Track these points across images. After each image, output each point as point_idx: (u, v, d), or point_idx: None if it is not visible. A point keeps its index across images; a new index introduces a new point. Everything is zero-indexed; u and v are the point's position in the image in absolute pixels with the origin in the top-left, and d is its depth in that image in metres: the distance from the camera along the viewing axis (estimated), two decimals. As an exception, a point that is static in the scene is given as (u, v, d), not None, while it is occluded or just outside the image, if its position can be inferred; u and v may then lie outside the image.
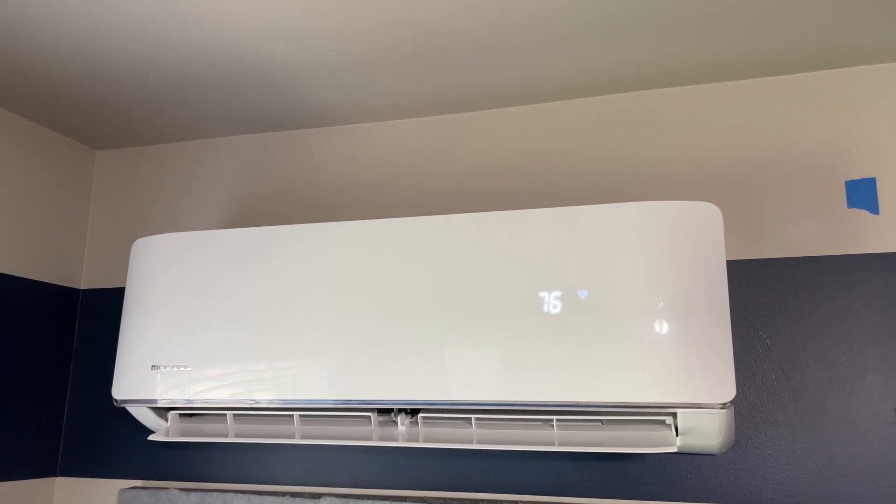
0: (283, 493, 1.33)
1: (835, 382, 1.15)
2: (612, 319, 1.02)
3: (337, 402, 1.11)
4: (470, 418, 1.12)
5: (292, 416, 1.19)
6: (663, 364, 0.99)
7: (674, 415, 1.03)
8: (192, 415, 1.27)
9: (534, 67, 1.26)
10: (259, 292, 1.18)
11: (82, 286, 1.60)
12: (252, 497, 1.32)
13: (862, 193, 1.20)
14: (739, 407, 1.18)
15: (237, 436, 1.21)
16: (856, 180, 1.21)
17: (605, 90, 1.34)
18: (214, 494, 1.34)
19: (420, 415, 1.14)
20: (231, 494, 1.33)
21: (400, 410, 1.15)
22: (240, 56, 1.24)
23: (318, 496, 1.30)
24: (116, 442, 1.49)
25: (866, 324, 1.16)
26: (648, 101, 1.33)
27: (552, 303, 1.05)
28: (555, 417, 1.08)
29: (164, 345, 1.20)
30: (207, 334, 1.18)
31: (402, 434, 1.14)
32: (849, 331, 1.16)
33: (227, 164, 1.57)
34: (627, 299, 1.02)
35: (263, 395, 1.14)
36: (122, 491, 1.40)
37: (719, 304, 1.01)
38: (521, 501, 1.23)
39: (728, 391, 0.98)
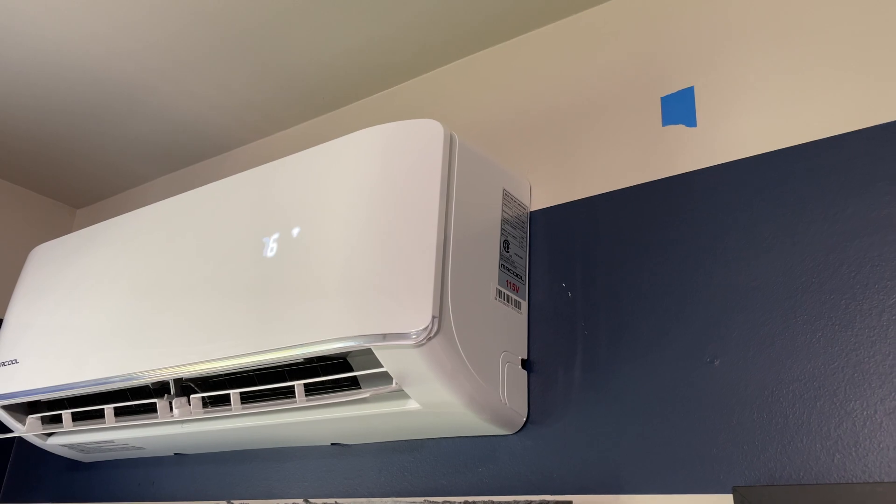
0: None
1: (653, 330, 0.92)
2: (311, 256, 0.92)
3: (104, 380, 1.10)
4: (228, 393, 1.04)
5: (103, 409, 1.20)
6: (351, 296, 0.87)
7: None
8: (49, 419, 1.31)
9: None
10: (64, 291, 1.25)
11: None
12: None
13: (678, 107, 0.99)
14: (541, 373, 0.97)
15: (71, 429, 1.24)
16: (672, 94, 1.01)
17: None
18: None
19: (191, 396, 1.09)
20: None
21: (180, 395, 1.12)
22: (113, 86, 1.38)
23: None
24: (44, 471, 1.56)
25: (690, 252, 0.92)
26: (445, 76, 1.24)
27: (270, 246, 0.97)
28: (301, 382, 0.97)
29: (5, 344, 1.29)
30: (30, 331, 1.25)
31: (177, 414, 1.10)
32: (667, 263, 0.93)
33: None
34: (327, 234, 0.92)
35: (68, 380, 1.16)
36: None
37: (423, 225, 0.87)
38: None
39: (420, 318, 0.82)
